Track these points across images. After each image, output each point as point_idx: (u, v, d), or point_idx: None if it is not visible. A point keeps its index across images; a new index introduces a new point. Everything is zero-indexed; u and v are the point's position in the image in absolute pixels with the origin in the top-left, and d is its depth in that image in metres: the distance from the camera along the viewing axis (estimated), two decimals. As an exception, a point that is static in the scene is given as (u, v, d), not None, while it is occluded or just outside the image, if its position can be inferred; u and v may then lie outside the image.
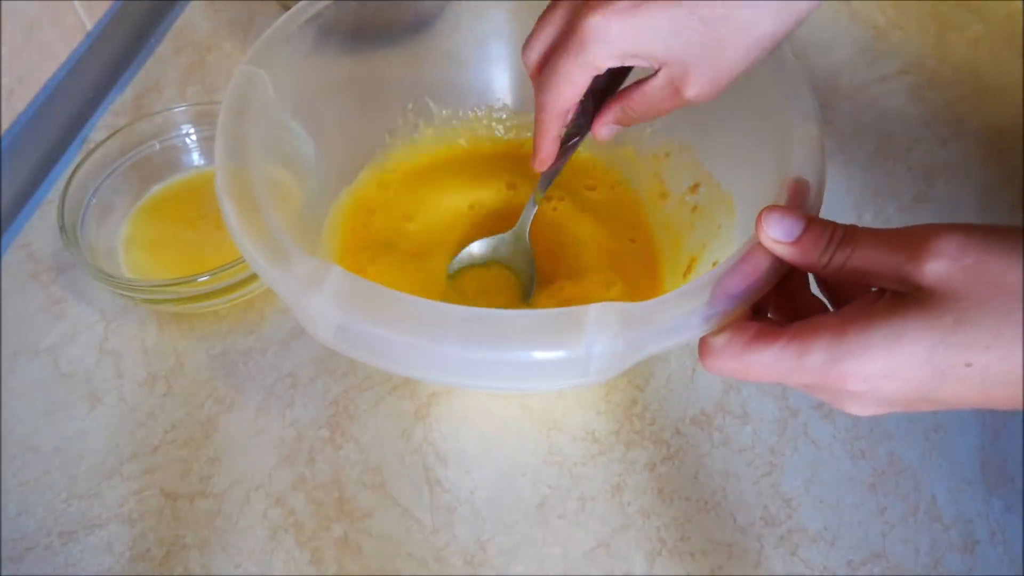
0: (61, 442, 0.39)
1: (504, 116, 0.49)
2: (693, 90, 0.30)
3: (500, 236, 0.42)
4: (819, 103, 0.34)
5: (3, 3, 0.47)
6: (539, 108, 0.33)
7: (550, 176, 0.41)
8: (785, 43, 0.36)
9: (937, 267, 0.22)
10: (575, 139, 0.40)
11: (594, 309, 0.27)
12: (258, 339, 0.43)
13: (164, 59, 0.58)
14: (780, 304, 0.29)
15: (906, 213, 0.49)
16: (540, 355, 0.27)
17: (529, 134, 0.49)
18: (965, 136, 0.53)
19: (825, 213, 0.47)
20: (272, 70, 0.36)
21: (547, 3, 0.32)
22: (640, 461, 0.38)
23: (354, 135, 0.44)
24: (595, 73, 0.30)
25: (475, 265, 0.43)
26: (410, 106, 0.46)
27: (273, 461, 0.38)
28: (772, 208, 0.26)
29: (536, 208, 0.42)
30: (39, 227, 0.48)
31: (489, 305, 0.41)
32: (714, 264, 0.37)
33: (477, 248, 0.43)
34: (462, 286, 0.42)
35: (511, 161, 0.48)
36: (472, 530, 0.36)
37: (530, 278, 0.42)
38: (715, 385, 0.41)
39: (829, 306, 0.28)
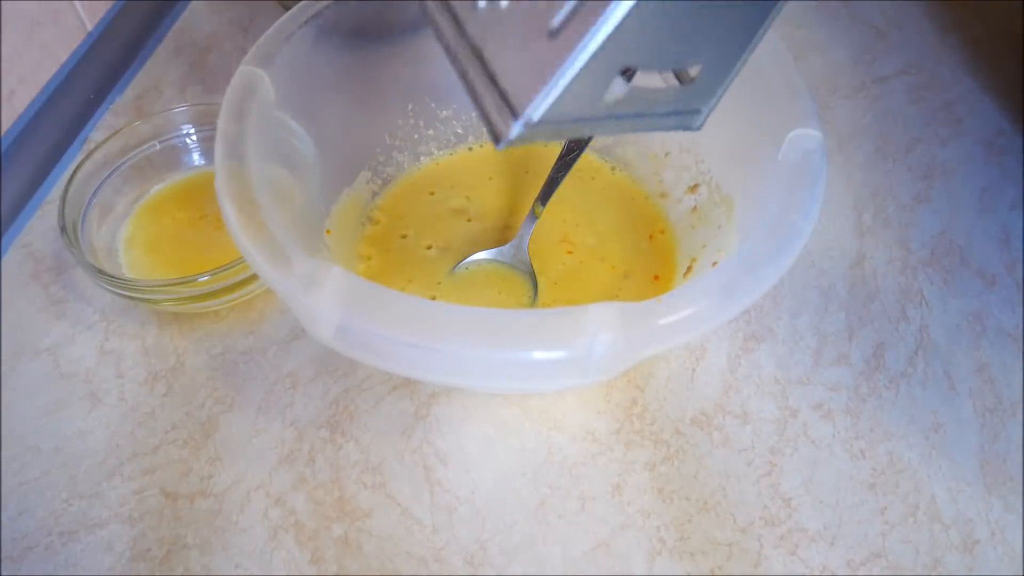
0: (61, 442, 0.39)
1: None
2: None
3: (500, 248, 0.43)
4: (819, 103, 0.35)
5: (3, 3, 0.47)
6: None
7: (550, 189, 0.41)
8: (785, 43, 0.37)
9: None
10: (575, 152, 0.41)
11: (594, 309, 0.27)
12: (258, 339, 0.43)
13: (164, 59, 0.58)
14: None
15: (906, 213, 0.49)
16: (540, 355, 0.27)
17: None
18: (965, 136, 0.53)
19: (825, 213, 0.48)
20: (272, 70, 0.36)
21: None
22: (640, 461, 0.38)
23: (354, 135, 0.44)
24: None
25: (476, 269, 0.43)
26: (410, 107, 0.46)
27: (273, 461, 0.38)
28: None
29: (536, 221, 0.42)
30: (39, 227, 0.48)
31: (490, 306, 0.41)
32: (714, 264, 0.37)
33: (477, 260, 0.43)
34: (463, 288, 0.42)
35: (514, 163, 0.48)
36: (472, 530, 0.36)
37: (531, 287, 0.42)
38: (715, 385, 0.41)
39: None
